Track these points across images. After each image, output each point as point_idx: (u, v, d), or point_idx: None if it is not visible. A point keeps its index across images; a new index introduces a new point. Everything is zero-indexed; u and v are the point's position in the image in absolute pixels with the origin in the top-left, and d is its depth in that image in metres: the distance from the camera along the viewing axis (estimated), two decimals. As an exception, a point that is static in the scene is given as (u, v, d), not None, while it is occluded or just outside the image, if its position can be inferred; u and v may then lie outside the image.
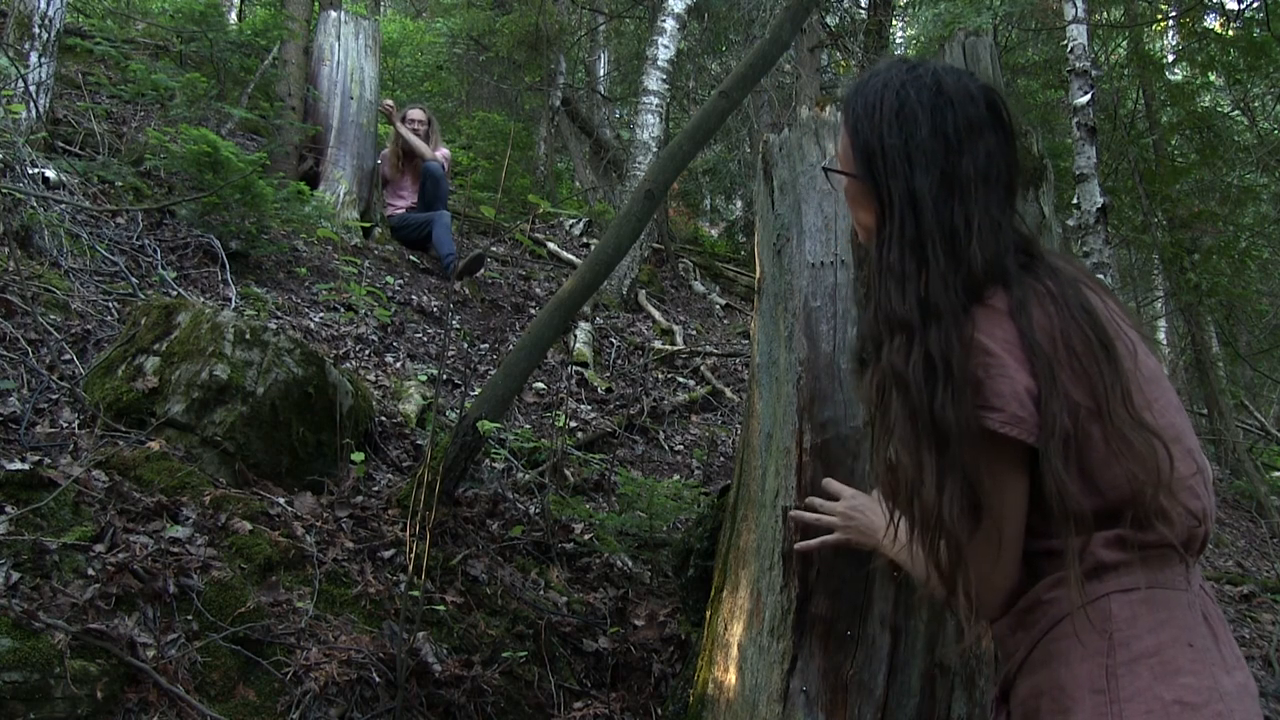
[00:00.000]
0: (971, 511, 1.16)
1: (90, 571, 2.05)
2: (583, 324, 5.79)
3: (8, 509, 2.13)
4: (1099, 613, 1.15)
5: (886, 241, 1.24)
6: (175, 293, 3.85)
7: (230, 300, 4.02)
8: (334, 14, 6.39)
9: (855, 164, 1.29)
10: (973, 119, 1.24)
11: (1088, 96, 5.48)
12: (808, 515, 1.72)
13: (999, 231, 1.22)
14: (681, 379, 5.87)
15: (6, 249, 3.29)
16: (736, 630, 1.98)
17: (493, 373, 3.73)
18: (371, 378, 4.05)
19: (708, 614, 2.17)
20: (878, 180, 1.25)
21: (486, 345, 5.23)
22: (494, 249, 7.09)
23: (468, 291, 5.85)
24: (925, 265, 1.20)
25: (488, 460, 3.59)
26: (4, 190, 3.53)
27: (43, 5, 4.41)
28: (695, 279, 8.64)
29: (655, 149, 7.31)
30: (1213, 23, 9.25)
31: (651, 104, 7.58)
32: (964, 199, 1.21)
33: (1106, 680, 1.13)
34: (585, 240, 8.46)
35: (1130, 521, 1.16)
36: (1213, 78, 9.02)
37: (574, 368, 5.27)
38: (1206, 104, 9.09)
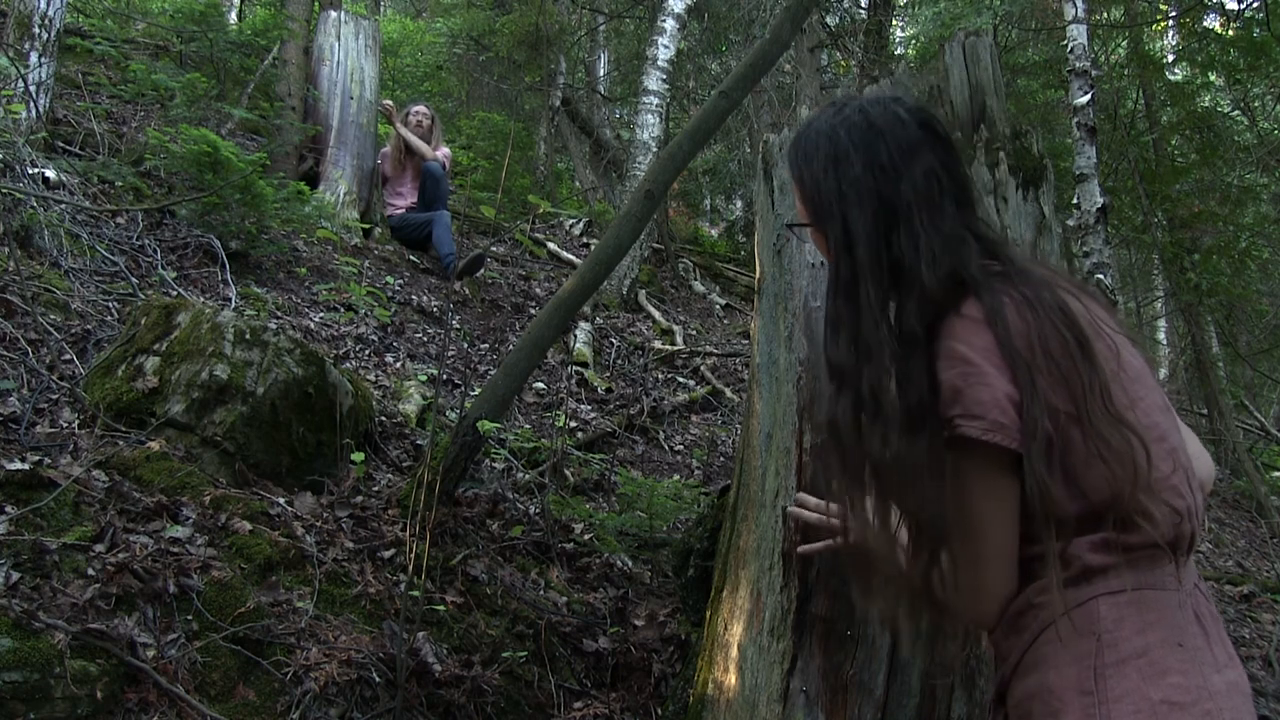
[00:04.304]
0: (921, 543, 1.20)
1: (90, 571, 2.05)
2: (583, 324, 5.79)
3: (8, 509, 2.13)
4: (1087, 615, 1.16)
5: (830, 285, 1.29)
6: (175, 293, 3.85)
7: (230, 300, 4.02)
8: (334, 14, 6.39)
9: (807, 214, 1.34)
10: (904, 142, 1.26)
11: (1088, 96, 5.49)
12: (811, 515, 1.72)
13: (954, 244, 1.24)
14: (681, 379, 5.87)
15: (6, 249, 3.29)
16: (736, 630, 1.98)
17: (493, 373, 3.73)
18: (371, 378, 4.05)
19: (708, 614, 2.17)
20: (825, 226, 1.30)
21: (486, 345, 5.23)
22: (494, 249, 7.09)
23: (468, 291, 5.85)
24: (855, 304, 1.23)
25: (488, 460, 3.59)
26: (4, 190, 3.53)
27: (43, 5, 4.41)
28: (695, 279, 8.64)
29: (655, 149, 7.31)
30: (1213, 23, 9.25)
31: (651, 104, 7.58)
32: (908, 223, 1.23)
33: (1095, 681, 1.13)
34: (585, 240, 8.46)
35: (1114, 524, 1.16)
36: (1213, 78, 9.01)
37: (574, 368, 5.27)
38: (1206, 104, 9.09)
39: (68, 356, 3.05)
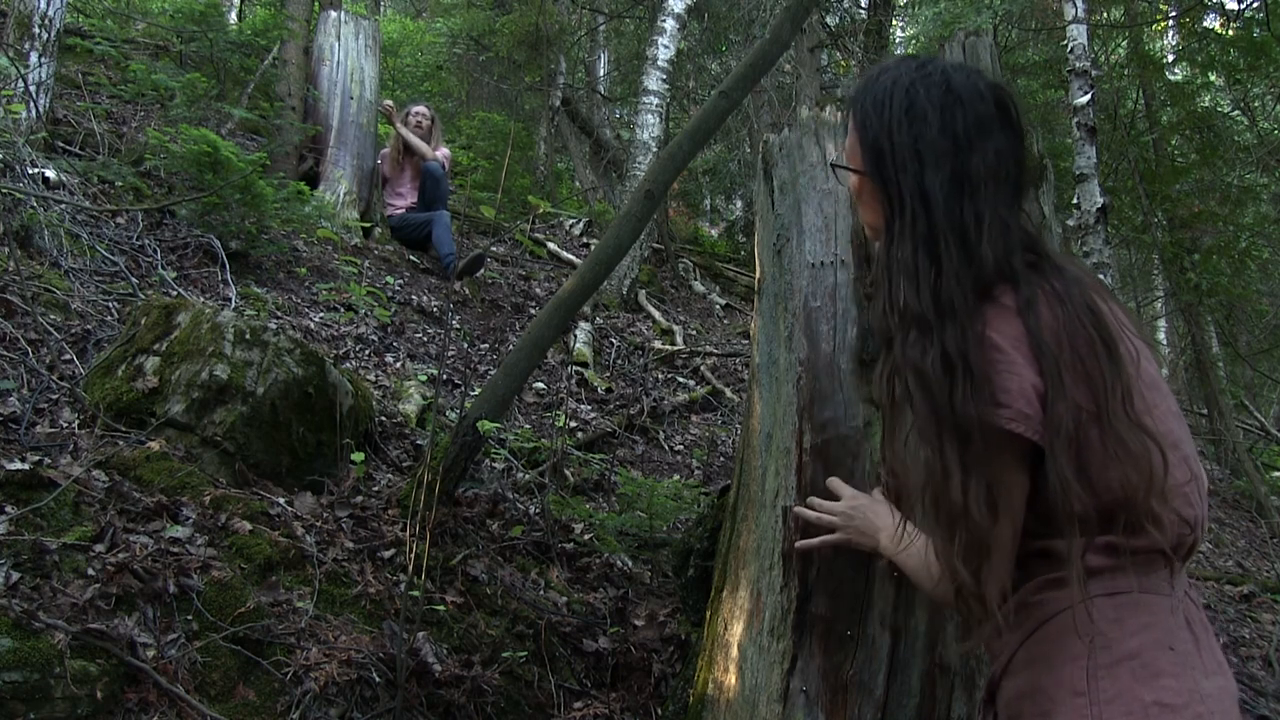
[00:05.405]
0: (993, 507, 1.15)
1: (90, 571, 2.05)
2: (583, 324, 5.79)
3: (8, 509, 2.13)
4: (1083, 615, 1.16)
5: (897, 238, 1.24)
6: (175, 293, 3.85)
7: (230, 300, 4.02)
8: (334, 14, 6.39)
9: (864, 161, 1.30)
10: (982, 117, 1.24)
11: (1088, 96, 5.49)
12: (809, 514, 1.72)
13: (1008, 230, 1.22)
14: (681, 379, 5.87)
15: (6, 249, 3.29)
16: (736, 630, 1.98)
17: (493, 373, 3.73)
18: (371, 378, 4.05)
19: (708, 614, 2.17)
20: (886, 178, 1.26)
21: (486, 345, 5.23)
22: (494, 249, 7.09)
23: (468, 291, 5.85)
24: (938, 262, 1.20)
25: (488, 460, 3.59)
26: (4, 190, 3.53)
27: (43, 5, 4.41)
28: (695, 279, 8.64)
29: (655, 149, 7.31)
30: (1213, 23, 9.26)
31: (651, 104, 7.58)
32: (974, 197, 1.21)
33: (1088, 682, 1.13)
34: (585, 240, 8.46)
35: (1122, 527, 1.16)
36: (1213, 78, 9.01)
37: (574, 368, 5.27)
38: (1206, 104, 9.09)
39: (68, 356, 3.05)
